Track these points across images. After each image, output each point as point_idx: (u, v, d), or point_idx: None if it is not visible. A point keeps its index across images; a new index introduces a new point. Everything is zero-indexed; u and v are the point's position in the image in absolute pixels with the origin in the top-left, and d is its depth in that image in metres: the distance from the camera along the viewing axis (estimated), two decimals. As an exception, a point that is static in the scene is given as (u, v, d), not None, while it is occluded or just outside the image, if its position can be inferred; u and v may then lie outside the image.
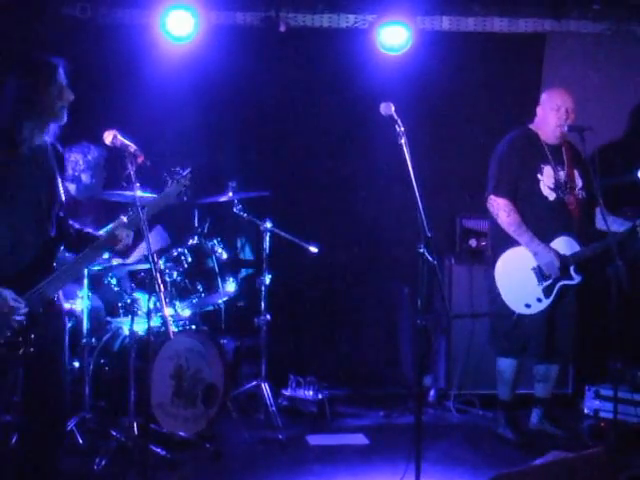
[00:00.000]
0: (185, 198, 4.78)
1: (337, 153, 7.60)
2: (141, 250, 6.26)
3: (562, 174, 6.18)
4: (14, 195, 4.15)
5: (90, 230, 4.58)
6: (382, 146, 5.46)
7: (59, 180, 4.34)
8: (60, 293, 4.37)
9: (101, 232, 4.55)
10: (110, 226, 4.51)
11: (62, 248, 4.45)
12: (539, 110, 6.27)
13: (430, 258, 4.72)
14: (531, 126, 6.31)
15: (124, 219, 4.43)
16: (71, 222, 4.52)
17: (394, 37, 7.14)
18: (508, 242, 6.15)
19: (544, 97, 6.31)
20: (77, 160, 6.55)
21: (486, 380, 6.55)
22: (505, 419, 6.32)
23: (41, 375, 4.27)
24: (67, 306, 4.43)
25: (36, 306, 4.14)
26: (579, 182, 6.24)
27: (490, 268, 6.33)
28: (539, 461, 4.58)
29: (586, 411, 6.46)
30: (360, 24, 7.37)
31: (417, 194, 4.76)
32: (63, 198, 4.37)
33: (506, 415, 6.34)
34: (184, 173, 4.73)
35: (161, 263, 6.08)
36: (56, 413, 4.35)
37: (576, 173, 6.25)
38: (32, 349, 4.12)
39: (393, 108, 4.87)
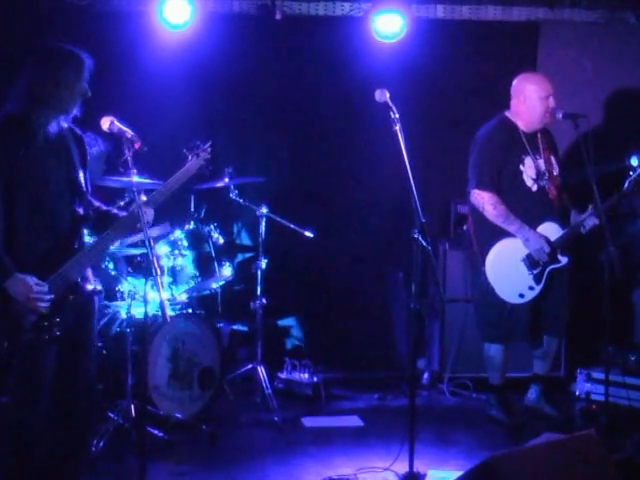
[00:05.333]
0: (207, 172, 4.74)
1: (332, 139, 7.62)
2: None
3: (540, 162, 6.20)
4: (36, 178, 4.14)
5: (113, 209, 4.55)
6: (377, 132, 5.50)
7: (78, 162, 4.32)
8: (89, 274, 4.34)
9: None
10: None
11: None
12: (520, 98, 6.19)
13: (424, 243, 4.78)
14: (508, 115, 6.28)
15: (144, 198, 4.36)
16: (94, 202, 4.47)
17: (389, 25, 7.15)
18: (493, 235, 6.16)
19: (528, 85, 6.18)
20: None
21: (479, 363, 6.56)
22: (498, 402, 6.37)
23: (69, 361, 4.27)
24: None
25: (60, 290, 4.12)
26: (556, 168, 6.30)
27: (469, 254, 6.43)
28: (532, 443, 4.65)
29: (578, 394, 6.55)
30: (355, 12, 7.39)
31: (411, 180, 4.82)
32: (82, 180, 4.34)
33: (498, 398, 6.39)
34: (204, 147, 4.67)
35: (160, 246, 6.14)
36: (81, 402, 4.35)
37: (552, 159, 6.30)
38: (58, 333, 4.11)
39: (388, 95, 4.92)
